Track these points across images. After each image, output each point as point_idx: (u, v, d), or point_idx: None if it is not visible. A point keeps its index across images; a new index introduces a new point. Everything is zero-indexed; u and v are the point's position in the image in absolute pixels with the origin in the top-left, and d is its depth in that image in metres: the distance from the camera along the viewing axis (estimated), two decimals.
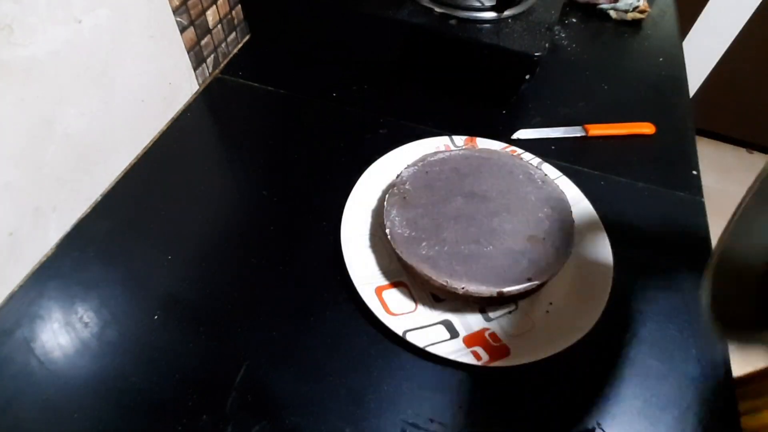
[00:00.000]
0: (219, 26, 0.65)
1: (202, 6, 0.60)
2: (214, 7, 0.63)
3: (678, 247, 0.50)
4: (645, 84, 0.69)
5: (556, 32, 0.75)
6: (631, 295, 0.46)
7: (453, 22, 0.58)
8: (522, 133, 0.60)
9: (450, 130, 0.58)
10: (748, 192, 0.27)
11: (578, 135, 0.60)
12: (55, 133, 0.45)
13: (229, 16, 0.67)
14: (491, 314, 0.43)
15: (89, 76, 0.47)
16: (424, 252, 0.41)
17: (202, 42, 0.62)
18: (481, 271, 0.40)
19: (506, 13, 0.59)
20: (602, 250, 0.46)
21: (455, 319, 0.43)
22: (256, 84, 0.65)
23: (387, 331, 0.41)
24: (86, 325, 0.43)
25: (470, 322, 0.42)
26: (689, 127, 0.63)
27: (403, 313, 0.42)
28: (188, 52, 0.60)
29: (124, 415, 0.38)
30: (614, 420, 0.39)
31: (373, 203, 0.50)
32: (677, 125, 0.63)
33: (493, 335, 0.42)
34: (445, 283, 0.40)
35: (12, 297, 0.45)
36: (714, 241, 0.50)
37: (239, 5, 0.68)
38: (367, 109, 0.63)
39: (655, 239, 0.50)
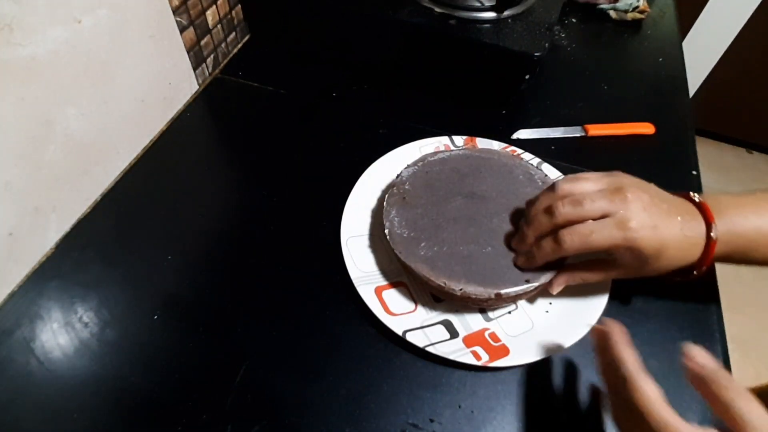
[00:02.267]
0: (219, 26, 0.65)
1: (202, 6, 0.60)
2: (214, 7, 0.63)
3: None
4: (645, 84, 0.69)
5: (556, 32, 0.75)
6: (631, 295, 0.46)
7: (453, 22, 0.58)
8: (522, 133, 0.60)
9: (450, 130, 0.58)
10: None
11: (578, 135, 0.60)
12: (55, 133, 0.45)
13: (229, 16, 0.67)
14: (491, 314, 0.43)
15: (89, 76, 0.47)
16: (422, 252, 0.41)
17: (202, 42, 0.62)
18: (480, 272, 0.40)
19: (506, 13, 0.59)
20: None
21: (455, 319, 0.43)
22: (255, 84, 0.65)
23: (387, 331, 0.41)
24: (86, 325, 0.43)
25: (470, 322, 0.42)
26: (689, 127, 0.63)
27: (402, 313, 0.42)
28: (188, 52, 0.60)
29: (123, 415, 0.38)
30: None
31: (372, 203, 0.50)
32: (677, 125, 0.63)
33: (492, 335, 0.42)
34: (443, 284, 0.40)
35: (12, 297, 0.45)
36: None
37: (239, 5, 0.68)
38: (367, 109, 0.63)
39: None
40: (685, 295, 0.46)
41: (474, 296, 0.39)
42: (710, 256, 0.37)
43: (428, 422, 0.38)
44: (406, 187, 0.46)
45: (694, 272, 0.38)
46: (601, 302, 0.43)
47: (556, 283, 0.41)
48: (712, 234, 0.36)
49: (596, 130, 0.60)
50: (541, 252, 0.39)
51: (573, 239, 0.37)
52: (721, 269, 0.48)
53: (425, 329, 0.41)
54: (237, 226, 0.51)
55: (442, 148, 0.55)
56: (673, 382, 0.41)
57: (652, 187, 0.39)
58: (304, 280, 0.46)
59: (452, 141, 0.56)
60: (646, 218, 0.36)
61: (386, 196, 0.46)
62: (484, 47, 0.57)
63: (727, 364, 0.42)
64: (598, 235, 0.36)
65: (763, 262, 0.39)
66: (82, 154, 0.49)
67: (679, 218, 0.37)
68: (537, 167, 0.49)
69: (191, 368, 0.41)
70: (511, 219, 0.44)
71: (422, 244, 0.42)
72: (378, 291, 0.43)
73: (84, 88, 0.47)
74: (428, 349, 0.40)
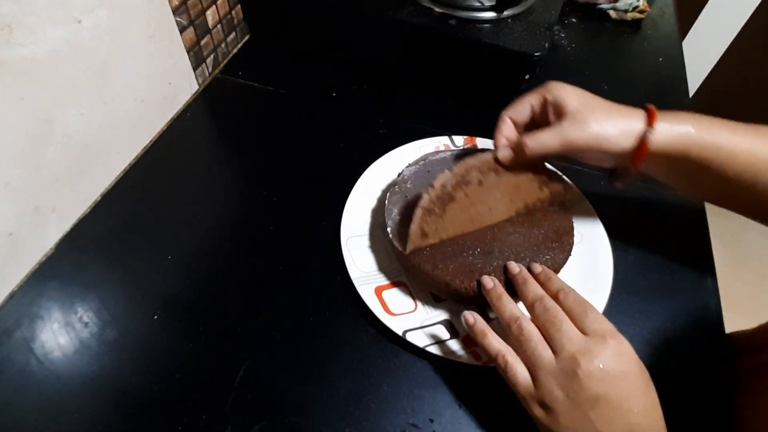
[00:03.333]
0: (219, 26, 0.65)
1: (202, 6, 0.60)
2: (214, 7, 0.63)
3: (678, 247, 0.50)
4: (645, 84, 0.69)
5: (556, 32, 0.75)
6: (631, 295, 0.46)
7: (453, 22, 0.58)
8: None
9: (450, 130, 0.58)
10: None
11: None
12: (54, 133, 0.45)
13: (229, 16, 0.67)
14: (491, 314, 0.43)
15: (89, 76, 0.47)
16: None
17: (202, 42, 0.62)
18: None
19: (506, 13, 0.59)
20: (602, 250, 0.46)
21: (455, 319, 0.43)
22: (256, 84, 0.65)
23: (387, 331, 0.41)
24: (86, 325, 0.43)
25: None
26: None
27: (403, 313, 0.42)
28: (188, 52, 0.60)
29: (123, 415, 0.38)
30: None
31: (372, 203, 0.50)
32: None
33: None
34: (447, 282, 0.40)
35: (12, 297, 0.45)
36: (714, 241, 0.50)
37: (239, 5, 0.68)
38: (367, 109, 0.63)
39: (655, 239, 0.50)
40: (685, 296, 0.46)
41: (473, 289, 0.39)
42: (653, 119, 0.37)
43: (428, 422, 0.38)
44: (408, 185, 0.46)
45: (641, 152, 0.37)
46: (600, 303, 0.43)
47: (501, 147, 0.41)
48: (648, 106, 0.38)
49: None
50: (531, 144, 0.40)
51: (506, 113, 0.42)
52: (721, 270, 0.48)
53: (425, 329, 0.41)
54: (237, 226, 0.51)
55: (442, 148, 0.55)
56: (674, 383, 0.41)
57: None
58: (304, 280, 0.46)
59: (452, 141, 0.56)
60: (566, 85, 0.40)
61: (388, 194, 0.46)
62: (484, 47, 0.57)
63: (728, 362, 0.42)
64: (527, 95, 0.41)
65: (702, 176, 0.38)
66: (82, 154, 0.49)
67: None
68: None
69: (191, 368, 0.41)
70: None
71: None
72: (378, 291, 0.43)
73: (84, 88, 0.47)
74: (428, 349, 0.40)
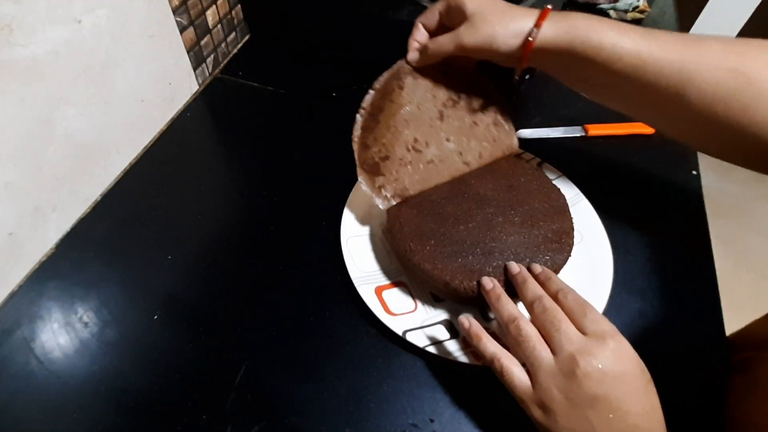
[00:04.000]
0: (219, 26, 0.65)
1: (202, 6, 0.60)
2: (214, 7, 0.63)
3: (678, 247, 0.50)
4: None
5: None
6: (631, 295, 0.46)
7: None
8: (522, 133, 0.60)
9: None
10: None
11: (578, 135, 0.60)
12: (55, 133, 0.45)
13: (229, 16, 0.67)
14: (491, 314, 0.43)
15: (89, 76, 0.47)
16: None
17: (202, 42, 0.62)
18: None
19: None
20: (602, 250, 0.46)
21: (455, 319, 0.43)
22: (256, 84, 0.65)
23: (387, 331, 0.41)
24: (86, 325, 0.43)
25: None
26: None
27: (403, 313, 0.42)
28: (188, 52, 0.60)
29: (123, 415, 0.38)
30: None
31: (373, 203, 0.50)
32: None
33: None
34: (446, 282, 0.40)
35: (12, 297, 0.45)
36: (714, 241, 0.50)
37: (239, 5, 0.68)
38: None
39: (655, 239, 0.50)
40: (685, 296, 0.46)
41: (473, 289, 0.39)
42: (542, 19, 0.39)
43: (428, 422, 0.38)
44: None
45: (528, 40, 0.39)
46: (600, 304, 0.43)
47: (410, 50, 0.45)
48: (545, 6, 0.39)
49: (596, 130, 0.60)
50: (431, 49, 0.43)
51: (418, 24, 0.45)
52: (721, 270, 0.47)
53: (425, 329, 0.41)
54: (237, 226, 0.51)
55: None
56: (674, 384, 0.41)
57: None
58: (304, 280, 0.46)
59: None
60: None
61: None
62: None
63: (727, 362, 0.42)
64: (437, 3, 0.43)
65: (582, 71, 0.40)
66: (82, 154, 0.49)
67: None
68: (537, 167, 0.49)
69: (191, 368, 0.41)
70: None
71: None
72: (378, 291, 0.43)
73: (84, 88, 0.47)
74: (428, 349, 0.40)
